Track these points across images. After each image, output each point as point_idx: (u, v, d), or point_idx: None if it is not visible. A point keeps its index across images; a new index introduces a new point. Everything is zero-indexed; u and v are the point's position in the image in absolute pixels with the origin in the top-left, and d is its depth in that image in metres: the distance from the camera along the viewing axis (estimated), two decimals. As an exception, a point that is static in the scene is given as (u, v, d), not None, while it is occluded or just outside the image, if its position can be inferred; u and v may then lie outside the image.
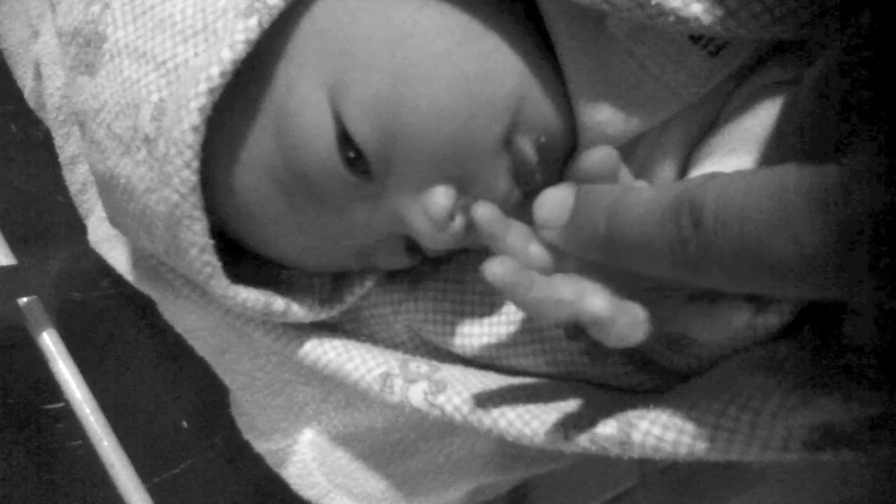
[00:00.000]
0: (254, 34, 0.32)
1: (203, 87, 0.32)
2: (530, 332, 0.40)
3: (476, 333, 0.42)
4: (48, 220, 0.56)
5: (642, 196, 0.27)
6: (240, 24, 0.32)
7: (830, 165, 0.21)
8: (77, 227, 0.54)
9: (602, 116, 0.36)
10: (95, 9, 0.37)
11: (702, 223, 0.24)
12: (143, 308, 0.51)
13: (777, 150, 0.31)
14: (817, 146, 0.24)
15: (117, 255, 0.50)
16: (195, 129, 0.32)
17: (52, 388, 0.50)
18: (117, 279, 0.50)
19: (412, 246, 0.40)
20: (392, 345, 0.45)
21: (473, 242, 0.40)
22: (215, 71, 0.32)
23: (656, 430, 0.30)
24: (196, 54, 0.34)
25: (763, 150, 0.32)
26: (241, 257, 0.43)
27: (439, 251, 0.40)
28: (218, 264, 0.36)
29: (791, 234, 0.22)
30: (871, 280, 0.21)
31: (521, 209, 0.38)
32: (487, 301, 0.43)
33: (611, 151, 0.32)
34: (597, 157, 0.32)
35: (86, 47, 0.37)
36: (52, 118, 0.53)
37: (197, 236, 0.34)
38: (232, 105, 0.34)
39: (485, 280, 0.29)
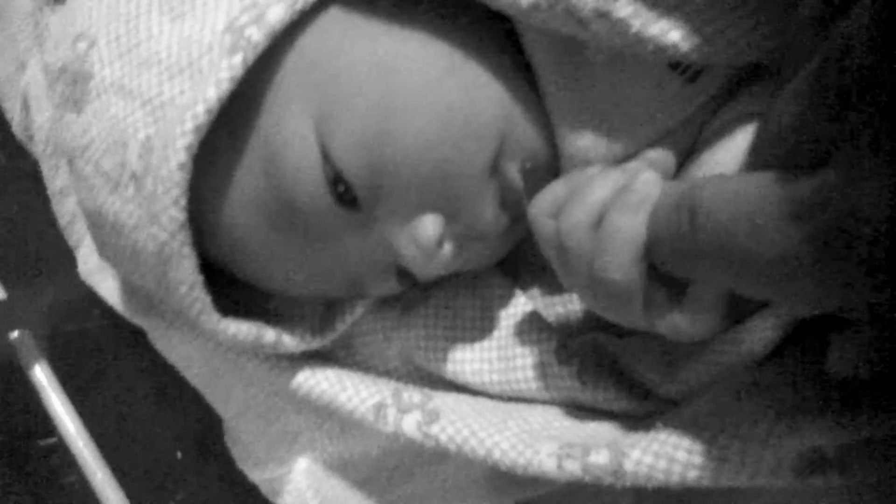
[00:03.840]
0: (238, 72, 0.32)
1: (189, 125, 0.32)
2: (522, 357, 0.40)
3: (468, 359, 0.42)
4: (38, 251, 0.56)
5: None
6: (224, 61, 0.32)
7: (805, 176, 0.22)
8: (67, 257, 0.53)
9: (584, 142, 0.36)
10: (82, 45, 0.37)
11: (696, 222, 0.25)
12: (135, 338, 0.50)
13: (752, 169, 0.31)
14: (794, 159, 0.24)
15: (108, 286, 0.50)
16: (182, 167, 0.32)
17: (45, 423, 0.49)
18: (108, 310, 0.50)
19: (403, 272, 0.40)
20: (385, 371, 0.45)
21: (464, 267, 0.40)
22: (201, 109, 0.32)
23: (648, 459, 0.30)
24: (182, 92, 0.34)
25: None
26: (231, 285, 0.43)
27: (430, 277, 0.41)
28: (208, 299, 0.36)
29: (769, 240, 0.23)
30: (840, 287, 0.22)
31: (508, 236, 0.39)
32: (479, 326, 0.43)
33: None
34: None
35: (72, 85, 0.37)
36: (40, 150, 0.53)
37: (186, 273, 0.34)
38: (219, 142, 0.34)
39: None
